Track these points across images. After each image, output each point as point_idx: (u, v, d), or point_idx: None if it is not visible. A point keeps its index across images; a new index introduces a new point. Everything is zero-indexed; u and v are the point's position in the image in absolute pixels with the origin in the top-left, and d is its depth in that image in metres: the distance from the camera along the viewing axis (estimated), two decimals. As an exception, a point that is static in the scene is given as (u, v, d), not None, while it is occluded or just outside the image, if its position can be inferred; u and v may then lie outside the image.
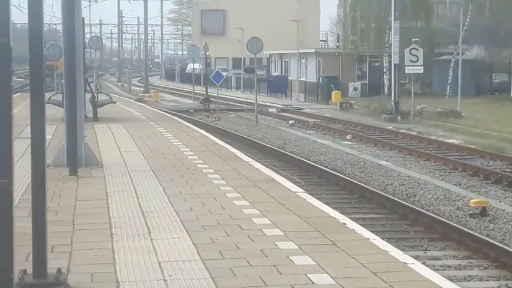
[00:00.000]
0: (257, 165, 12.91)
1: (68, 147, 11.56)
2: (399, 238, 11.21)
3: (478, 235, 10.99)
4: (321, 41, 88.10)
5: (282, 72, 58.84)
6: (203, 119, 33.03)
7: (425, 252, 10.49)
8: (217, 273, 6.05)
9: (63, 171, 11.28)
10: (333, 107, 40.70)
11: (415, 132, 27.33)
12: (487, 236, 11.27)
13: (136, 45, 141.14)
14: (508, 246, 10.49)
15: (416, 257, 8.23)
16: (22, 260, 5.92)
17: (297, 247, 6.91)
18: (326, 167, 18.27)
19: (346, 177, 16.42)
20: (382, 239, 7.58)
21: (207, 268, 6.21)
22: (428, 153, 21.26)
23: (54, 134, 17.17)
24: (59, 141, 14.79)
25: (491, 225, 12.22)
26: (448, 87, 45.40)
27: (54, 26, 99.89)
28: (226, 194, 9.67)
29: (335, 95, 42.61)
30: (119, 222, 7.98)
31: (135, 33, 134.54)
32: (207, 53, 49.56)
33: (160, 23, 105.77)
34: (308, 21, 73.53)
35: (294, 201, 9.29)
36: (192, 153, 14.22)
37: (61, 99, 20.06)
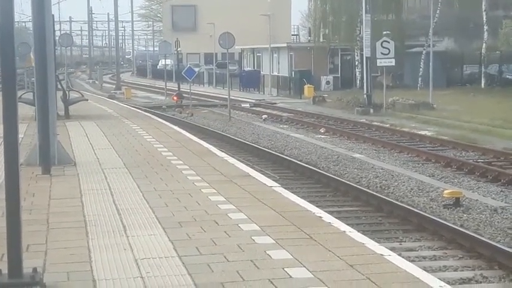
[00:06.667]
0: (231, 160, 12.89)
1: (40, 146, 11.48)
2: (374, 230, 11.26)
3: (452, 225, 11.07)
4: (293, 35, 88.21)
5: (254, 67, 58.80)
6: (176, 115, 32.94)
7: (400, 244, 10.55)
8: (194, 270, 6.04)
9: (35, 170, 11.20)
10: (306, 101, 40.78)
11: (387, 125, 27.48)
12: (461, 226, 11.36)
13: (107, 42, 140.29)
14: (482, 236, 10.59)
15: (392, 249, 8.28)
16: (-3, 261, 5.86)
17: (274, 241, 6.92)
18: (300, 161, 18.31)
19: (320, 171, 16.47)
20: (358, 231, 7.61)
21: (184, 264, 6.20)
22: (402, 145, 21.38)
23: (26, 132, 17.02)
24: (31, 140, 14.68)
25: (464, 215, 12.33)
26: (420, 79, 45.64)
27: (23, 24, 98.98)
28: (202, 190, 9.65)
29: (308, 89, 42.71)
30: (94, 220, 7.93)
31: (105, 30, 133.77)
32: (179, 49, 49.44)
33: (130, 19, 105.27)
34: (279, 15, 73.51)
35: (269, 195, 9.30)
36: (165, 149, 14.17)
37: (32, 98, 19.92)
